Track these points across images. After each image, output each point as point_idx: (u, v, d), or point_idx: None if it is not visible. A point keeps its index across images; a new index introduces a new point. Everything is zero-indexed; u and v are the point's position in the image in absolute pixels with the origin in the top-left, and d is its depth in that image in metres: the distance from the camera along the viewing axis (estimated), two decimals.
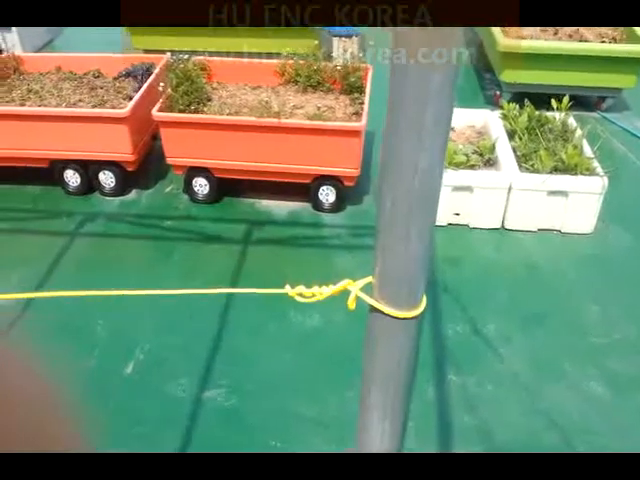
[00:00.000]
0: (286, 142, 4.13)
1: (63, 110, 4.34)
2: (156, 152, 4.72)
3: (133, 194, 4.55)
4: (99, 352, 3.20)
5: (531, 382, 2.94)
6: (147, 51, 5.94)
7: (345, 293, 1.28)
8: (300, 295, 1.28)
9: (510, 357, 3.08)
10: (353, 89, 4.63)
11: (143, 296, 3.47)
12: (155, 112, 4.17)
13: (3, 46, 6.23)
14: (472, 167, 4.14)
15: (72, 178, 4.51)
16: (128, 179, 4.51)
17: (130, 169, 4.46)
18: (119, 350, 3.21)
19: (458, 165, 4.09)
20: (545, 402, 2.84)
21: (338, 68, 4.69)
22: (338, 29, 6.16)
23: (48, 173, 4.50)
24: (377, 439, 1.27)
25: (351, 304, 1.24)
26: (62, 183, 4.52)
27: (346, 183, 4.24)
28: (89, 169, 4.45)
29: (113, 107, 4.42)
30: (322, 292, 1.27)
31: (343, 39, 6.30)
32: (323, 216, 4.24)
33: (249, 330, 3.30)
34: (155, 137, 4.78)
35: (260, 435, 2.75)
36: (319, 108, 4.39)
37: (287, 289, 1.29)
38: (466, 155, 4.19)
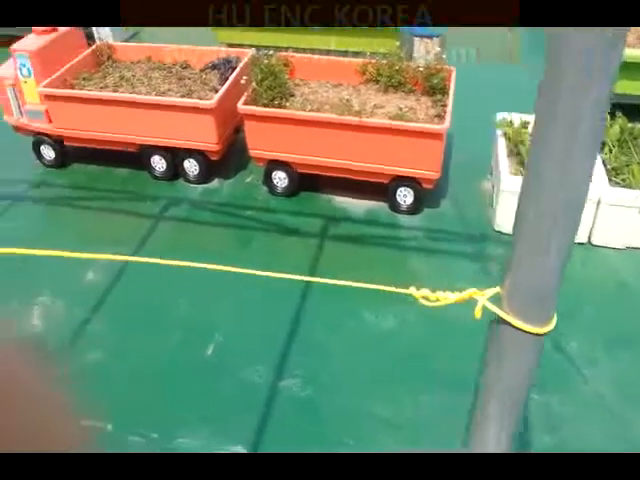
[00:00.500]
0: (366, 141, 4.14)
1: (154, 98, 4.53)
2: (238, 144, 4.86)
3: (215, 183, 4.69)
4: (181, 332, 3.34)
5: (617, 407, 2.83)
6: (230, 45, 6.09)
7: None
8: (425, 298, 1.29)
9: (595, 378, 2.97)
10: (435, 91, 4.58)
11: (224, 281, 3.59)
12: (240, 105, 4.28)
13: (97, 36, 6.57)
14: None
15: (159, 164, 4.71)
16: (211, 168, 4.66)
17: (214, 158, 4.60)
18: (200, 332, 3.33)
19: None
20: (633, 430, 2.72)
21: (420, 69, 4.65)
22: (419, 29, 6.09)
23: (136, 158, 4.72)
24: (492, 450, 1.27)
25: (477, 313, 1.24)
26: (149, 168, 4.73)
27: (425, 185, 4.20)
28: (175, 156, 4.63)
29: (200, 98, 4.57)
30: (447, 297, 1.28)
31: (425, 40, 6.22)
32: (399, 217, 4.23)
33: (324, 324, 3.35)
34: (237, 130, 4.92)
35: (333, 430, 2.79)
36: (401, 109, 4.37)
37: (412, 290, 1.31)
38: None
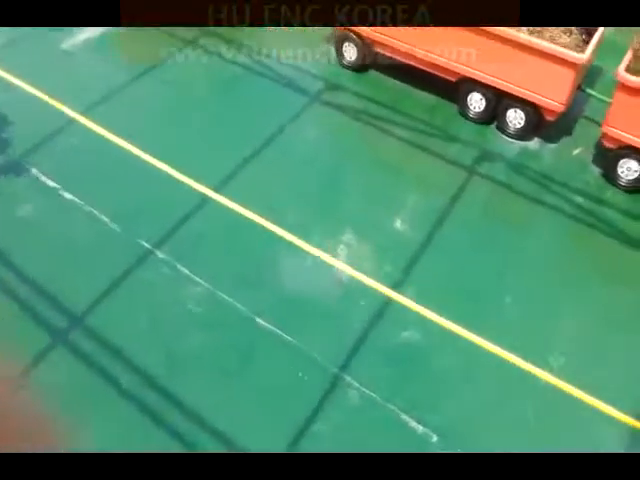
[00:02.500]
0: None
1: (513, 33, 3.61)
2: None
3: (534, 143, 3.95)
4: (510, 337, 2.87)
5: None
6: None
7: None
8: None
9: None
10: None
11: (560, 284, 2.92)
12: (622, 72, 3.35)
13: None
14: None
15: (477, 103, 4.01)
16: (537, 126, 3.90)
17: (549, 118, 3.81)
18: (533, 342, 2.86)
19: None
20: None
21: None
22: None
23: (448, 87, 4.05)
24: None
25: None
26: (462, 104, 4.05)
27: None
28: (501, 101, 3.89)
29: (558, 44, 3.62)
30: None
31: None
32: None
33: None
34: (579, 87, 4.05)
35: None
36: None
37: None
38: None
